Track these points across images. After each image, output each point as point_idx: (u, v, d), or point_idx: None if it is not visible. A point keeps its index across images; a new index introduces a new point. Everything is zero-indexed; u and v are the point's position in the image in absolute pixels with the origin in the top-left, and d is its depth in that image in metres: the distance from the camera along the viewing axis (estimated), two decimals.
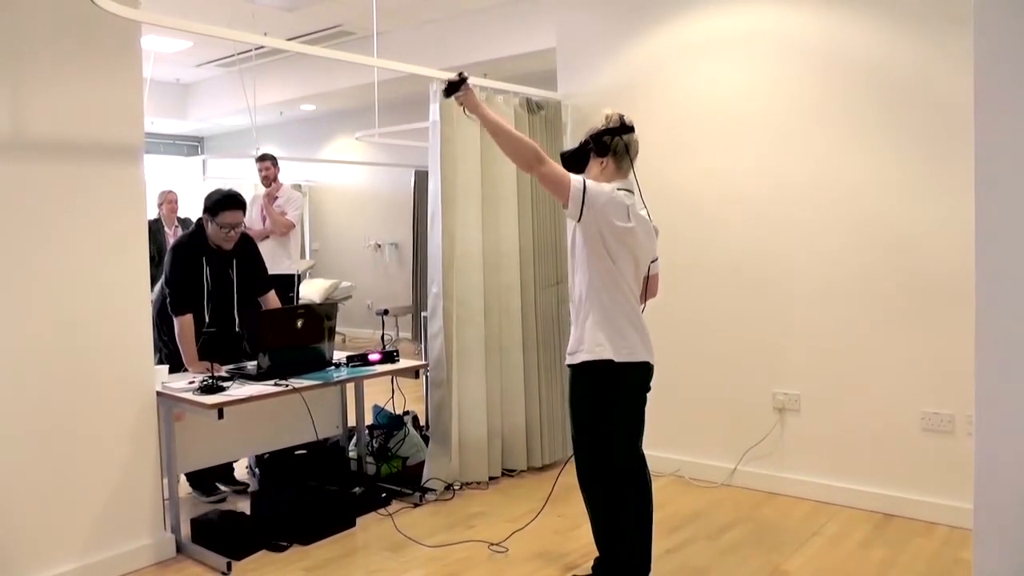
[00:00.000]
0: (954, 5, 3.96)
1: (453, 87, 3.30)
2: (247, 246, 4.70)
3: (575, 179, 3.06)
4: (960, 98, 3.94)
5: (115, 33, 3.64)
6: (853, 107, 4.29)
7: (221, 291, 4.53)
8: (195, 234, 4.54)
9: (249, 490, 4.79)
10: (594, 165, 3.26)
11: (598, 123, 3.25)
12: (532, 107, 5.21)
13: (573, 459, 3.29)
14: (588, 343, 3.15)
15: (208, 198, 4.50)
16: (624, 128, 3.21)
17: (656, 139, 4.97)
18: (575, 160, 3.30)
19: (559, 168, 3.09)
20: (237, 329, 4.66)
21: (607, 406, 3.16)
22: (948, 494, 4.08)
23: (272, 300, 4.76)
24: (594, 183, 3.10)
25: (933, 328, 4.11)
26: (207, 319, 4.45)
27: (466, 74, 3.30)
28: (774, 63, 4.54)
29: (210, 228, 4.46)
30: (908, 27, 4.10)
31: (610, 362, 3.11)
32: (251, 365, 4.30)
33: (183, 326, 4.33)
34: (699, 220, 4.85)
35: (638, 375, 3.19)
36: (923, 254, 4.12)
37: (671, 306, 4.86)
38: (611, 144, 3.20)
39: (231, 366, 4.30)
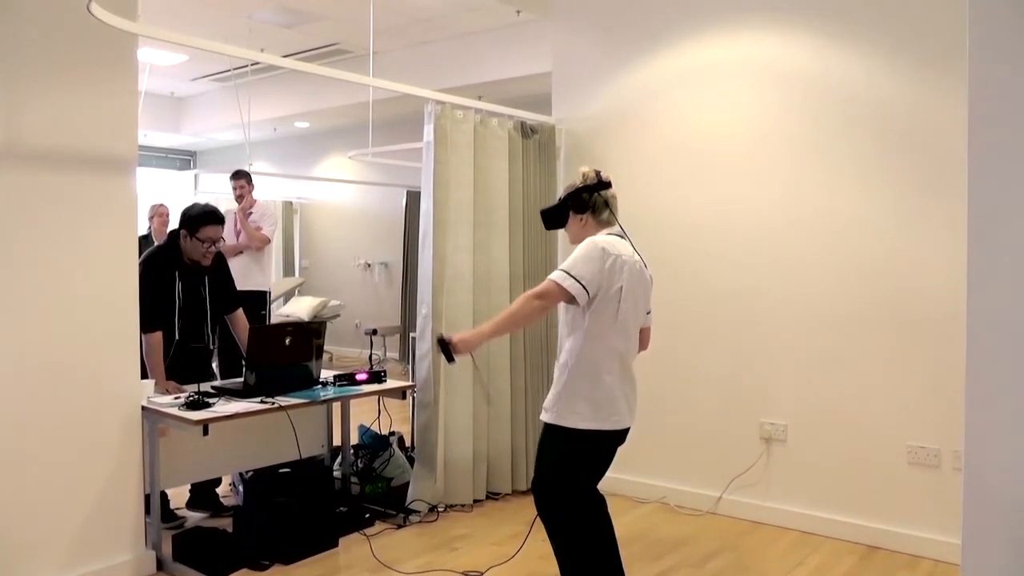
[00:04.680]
0: (947, 42, 4.00)
1: (447, 352, 3.15)
2: (219, 263, 4.65)
3: (568, 284, 2.99)
4: (953, 134, 3.97)
5: (112, 45, 3.64)
6: (846, 141, 4.33)
7: (192, 308, 4.47)
8: (168, 248, 4.44)
9: (231, 503, 4.76)
10: (574, 222, 3.27)
11: (576, 180, 3.26)
12: (526, 131, 5.23)
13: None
14: (558, 408, 3.11)
15: (187, 212, 4.43)
16: (601, 184, 3.22)
17: (647, 167, 5.01)
18: (555, 216, 3.32)
19: (546, 287, 3.03)
20: (208, 346, 4.62)
21: (572, 461, 3.12)
22: (933, 528, 4.08)
23: (241, 319, 4.70)
24: (584, 266, 3.02)
25: (920, 362, 4.12)
26: (177, 336, 4.37)
27: (441, 336, 3.19)
28: (769, 95, 4.57)
29: (188, 243, 4.39)
30: (902, 62, 4.14)
31: (577, 430, 3.08)
32: (224, 384, 4.28)
33: (152, 345, 4.17)
34: (689, 249, 4.87)
35: (605, 440, 3.13)
36: (912, 289, 4.14)
37: (660, 335, 4.86)
38: (589, 201, 3.21)
39: (206, 385, 4.23)
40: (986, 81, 2.02)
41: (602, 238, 3.10)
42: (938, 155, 4.05)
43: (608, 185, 3.24)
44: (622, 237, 3.20)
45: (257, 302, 6.32)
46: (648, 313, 3.31)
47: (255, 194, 6.67)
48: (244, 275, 6.28)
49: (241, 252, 6.35)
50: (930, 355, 4.09)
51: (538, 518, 3.17)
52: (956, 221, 3.95)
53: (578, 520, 3.14)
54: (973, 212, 2.04)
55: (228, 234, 6.40)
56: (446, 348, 3.13)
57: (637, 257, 3.20)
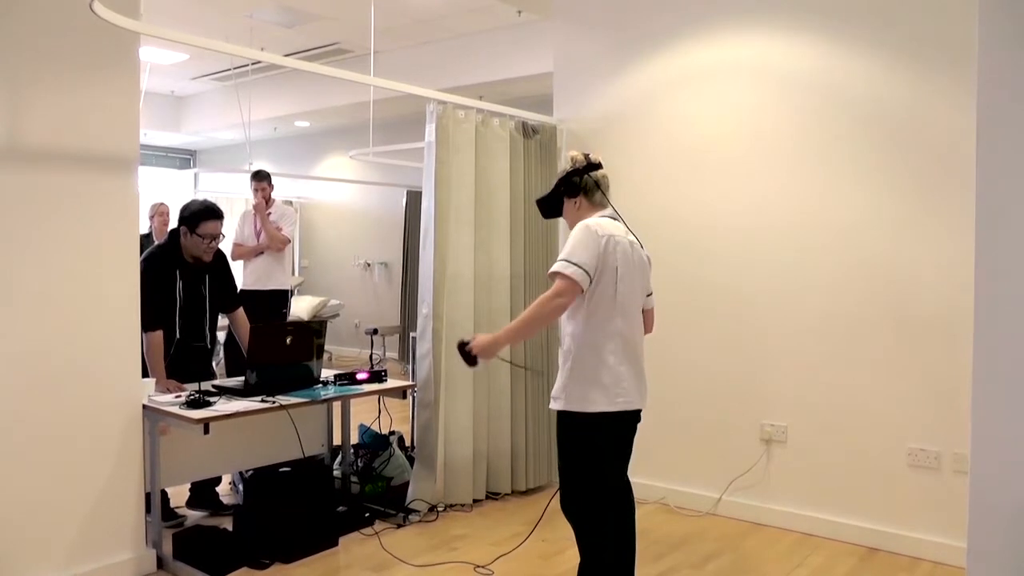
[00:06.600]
0: (950, 45, 4.00)
1: (467, 356, 3.14)
2: (220, 261, 4.65)
3: (574, 273, 3.00)
4: (955, 137, 3.98)
5: (114, 44, 3.64)
6: (848, 144, 4.33)
7: (193, 307, 4.47)
8: (168, 247, 4.44)
9: (231, 501, 4.76)
10: (568, 206, 3.29)
11: (566, 166, 3.29)
12: (527, 131, 5.23)
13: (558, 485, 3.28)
14: (566, 393, 3.12)
15: (186, 209, 4.43)
16: (590, 166, 3.25)
17: (649, 167, 5.00)
18: (550, 205, 3.34)
19: (561, 285, 3.02)
20: (208, 345, 4.62)
21: (590, 447, 3.13)
22: (933, 530, 4.08)
23: (241, 317, 4.71)
24: (582, 251, 3.03)
25: (921, 364, 4.12)
26: (177, 335, 4.39)
27: (461, 340, 3.18)
28: (769, 96, 4.57)
29: (188, 240, 4.39)
30: (905, 65, 4.14)
31: (586, 414, 3.09)
32: (225, 382, 4.27)
33: (152, 343, 4.19)
34: (691, 250, 4.87)
35: (618, 423, 3.14)
36: (914, 291, 4.14)
37: (661, 336, 4.85)
38: (580, 183, 3.24)
39: (207, 384, 4.22)
40: (994, 83, 2.02)
41: (592, 220, 3.12)
42: (938, 156, 4.05)
43: (598, 166, 3.26)
44: (615, 219, 3.22)
45: (279, 300, 6.42)
46: (650, 295, 3.32)
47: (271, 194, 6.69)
48: (267, 275, 6.35)
49: (262, 253, 6.38)
50: (931, 357, 4.09)
51: (551, 515, 3.17)
52: (957, 222, 3.96)
53: (602, 511, 3.15)
54: (980, 215, 2.04)
55: (249, 235, 6.43)
56: (466, 352, 3.12)
57: (632, 238, 3.22)
